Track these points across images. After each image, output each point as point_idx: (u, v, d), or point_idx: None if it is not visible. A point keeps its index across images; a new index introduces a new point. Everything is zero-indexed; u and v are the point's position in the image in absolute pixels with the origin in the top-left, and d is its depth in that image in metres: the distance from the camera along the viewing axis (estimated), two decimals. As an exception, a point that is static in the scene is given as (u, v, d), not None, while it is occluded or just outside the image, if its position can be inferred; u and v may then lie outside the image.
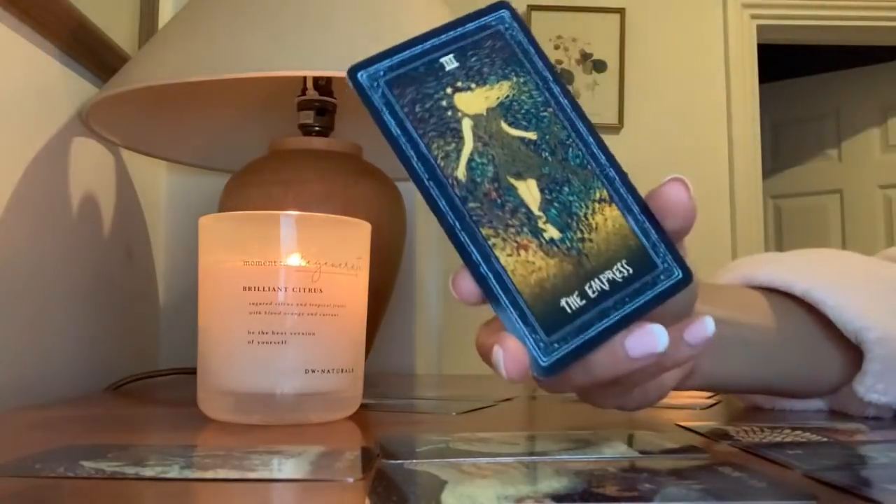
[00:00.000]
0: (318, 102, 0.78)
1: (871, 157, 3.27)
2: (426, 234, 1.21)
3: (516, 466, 0.31)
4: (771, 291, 0.47)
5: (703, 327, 0.33)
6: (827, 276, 0.47)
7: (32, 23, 0.68)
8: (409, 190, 0.94)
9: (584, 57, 2.32)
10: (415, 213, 1.00)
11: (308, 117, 0.78)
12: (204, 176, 1.02)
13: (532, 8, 2.27)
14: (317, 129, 0.78)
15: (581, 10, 2.31)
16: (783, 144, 3.43)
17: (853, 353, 0.47)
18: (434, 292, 1.28)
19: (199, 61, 0.63)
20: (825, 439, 0.38)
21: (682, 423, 0.44)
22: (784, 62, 3.24)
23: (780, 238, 3.38)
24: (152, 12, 0.96)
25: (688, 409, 0.53)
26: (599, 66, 2.33)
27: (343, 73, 0.63)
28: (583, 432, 0.40)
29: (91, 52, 0.78)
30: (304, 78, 0.78)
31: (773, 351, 0.45)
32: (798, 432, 0.40)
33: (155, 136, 0.86)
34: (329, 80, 0.78)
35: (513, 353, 0.30)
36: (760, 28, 2.47)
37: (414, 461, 0.32)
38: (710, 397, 0.59)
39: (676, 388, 0.41)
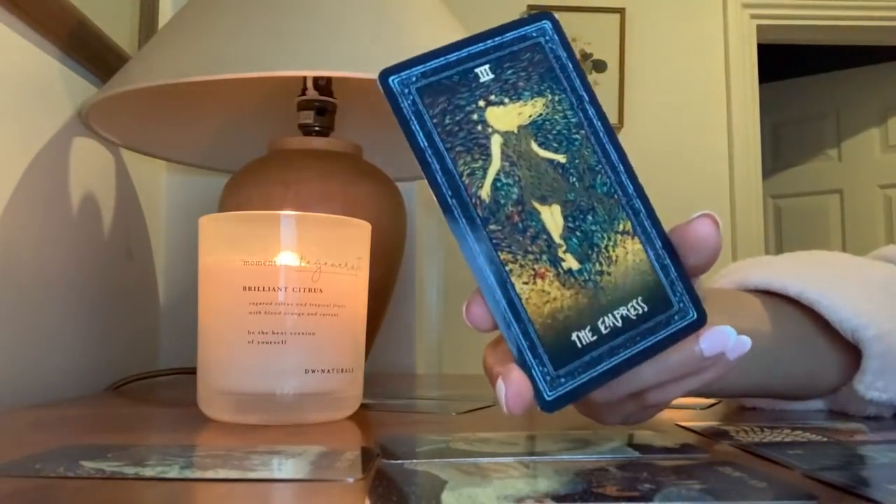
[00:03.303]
0: (318, 102, 0.78)
1: (871, 157, 3.27)
2: (426, 234, 1.21)
3: (516, 466, 0.31)
4: (765, 294, 0.47)
5: (725, 338, 0.33)
6: (820, 276, 0.47)
7: (32, 22, 0.68)
8: (408, 190, 0.94)
9: (584, 57, 2.32)
10: (415, 213, 1.00)
11: (308, 117, 0.78)
12: (204, 176, 1.02)
13: (531, 8, 2.27)
14: (317, 129, 0.78)
15: (581, 10, 2.31)
16: (783, 144, 3.43)
17: (851, 352, 0.47)
18: (434, 292, 1.28)
19: (199, 61, 0.63)
20: (825, 439, 0.38)
21: (683, 423, 0.44)
22: (784, 62, 3.24)
23: (780, 238, 3.38)
24: (152, 12, 0.95)
25: (688, 409, 0.53)
26: (599, 66, 2.33)
27: (343, 74, 0.63)
28: (583, 432, 0.40)
29: (91, 52, 0.78)
30: (304, 78, 0.78)
31: (770, 355, 0.45)
32: (798, 432, 0.40)
33: (155, 136, 0.86)
34: (329, 80, 0.78)
35: (515, 386, 0.30)
36: (760, 28, 2.47)
37: (414, 461, 0.32)
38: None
39: None
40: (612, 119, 2.32)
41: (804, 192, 3.37)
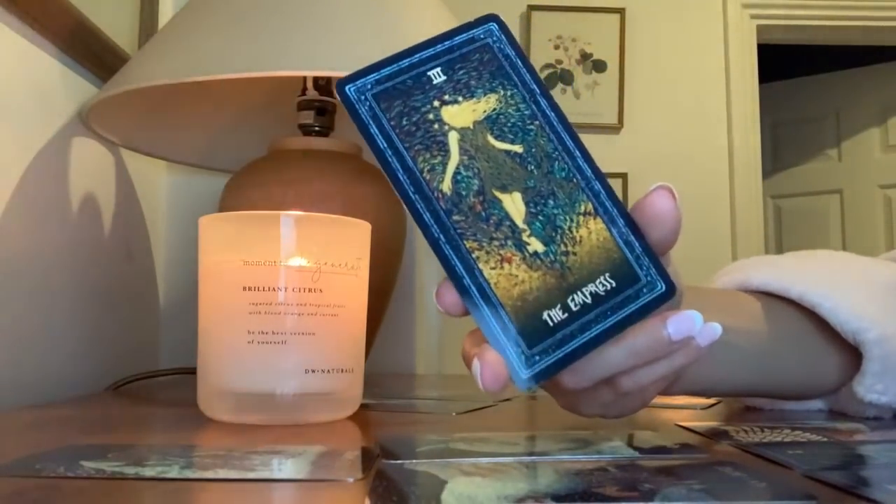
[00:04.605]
0: (318, 102, 0.78)
1: (871, 157, 3.27)
2: (426, 234, 1.21)
3: (516, 466, 0.31)
4: (766, 295, 0.47)
5: (691, 322, 0.33)
6: (822, 278, 0.47)
7: (32, 23, 0.68)
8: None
9: (584, 57, 2.32)
10: (415, 213, 1.00)
11: (308, 117, 0.78)
12: (204, 176, 1.02)
13: (532, 8, 2.27)
14: (317, 129, 0.78)
15: (581, 10, 2.30)
16: (783, 144, 3.43)
17: (851, 354, 0.47)
18: (434, 292, 1.28)
19: (199, 61, 0.63)
20: (825, 439, 0.38)
21: (682, 423, 0.44)
22: (784, 62, 3.24)
23: (780, 238, 3.38)
24: (152, 12, 0.96)
25: (688, 409, 0.53)
26: (599, 66, 2.33)
27: (343, 74, 0.63)
28: (583, 432, 0.40)
29: (91, 52, 0.78)
30: (304, 78, 0.78)
31: (765, 354, 0.45)
32: (798, 432, 0.40)
33: (155, 136, 0.86)
34: (329, 80, 0.78)
35: (491, 365, 0.31)
36: (760, 28, 2.47)
37: (414, 461, 0.32)
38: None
39: (662, 394, 0.41)
40: (612, 119, 2.32)
41: (804, 192, 3.37)
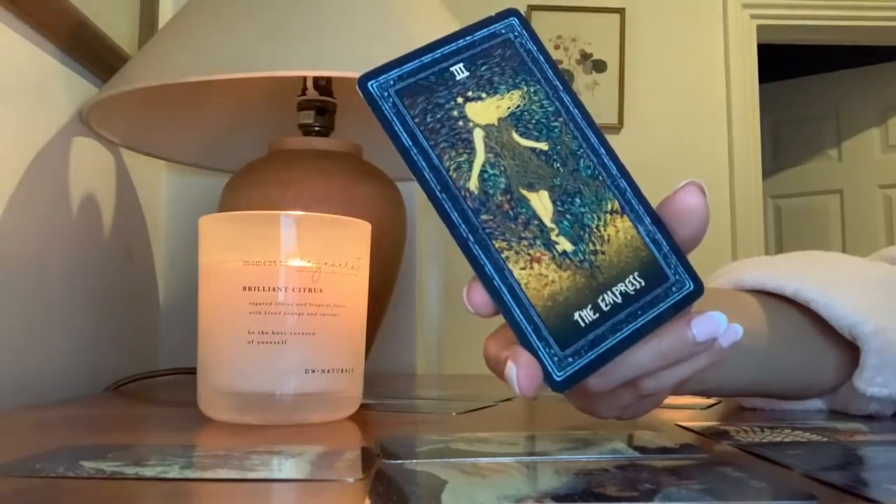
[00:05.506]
0: (318, 102, 0.78)
1: (871, 157, 3.28)
2: (426, 234, 1.21)
3: (516, 466, 0.31)
4: (762, 294, 0.47)
5: (716, 324, 0.33)
6: (816, 275, 0.47)
7: (32, 22, 0.68)
8: (409, 190, 0.94)
9: (584, 57, 2.32)
10: (415, 213, 1.00)
11: (308, 117, 0.78)
12: (204, 176, 1.02)
13: (532, 8, 2.27)
14: (317, 129, 0.78)
15: (581, 10, 2.31)
16: (783, 144, 3.43)
17: (848, 351, 0.47)
18: (434, 292, 1.28)
19: (199, 61, 0.63)
20: (825, 439, 0.38)
21: (683, 423, 0.44)
22: (784, 62, 3.24)
23: (780, 238, 3.39)
24: (152, 12, 0.95)
25: (688, 409, 0.53)
26: (599, 66, 2.33)
27: (343, 74, 0.63)
28: (583, 432, 0.40)
29: (91, 52, 0.78)
30: (304, 78, 0.78)
31: (768, 353, 0.45)
32: (798, 432, 0.40)
33: (155, 136, 0.86)
34: (329, 80, 0.78)
35: (526, 368, 0.30)
36: (760, 28, 2.48)
37: (414, 461, 0.32)
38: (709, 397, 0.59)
39: (671, 394, 0.41)
40: (612, 119, 2.32)
41: (804, 192, 3.37)
